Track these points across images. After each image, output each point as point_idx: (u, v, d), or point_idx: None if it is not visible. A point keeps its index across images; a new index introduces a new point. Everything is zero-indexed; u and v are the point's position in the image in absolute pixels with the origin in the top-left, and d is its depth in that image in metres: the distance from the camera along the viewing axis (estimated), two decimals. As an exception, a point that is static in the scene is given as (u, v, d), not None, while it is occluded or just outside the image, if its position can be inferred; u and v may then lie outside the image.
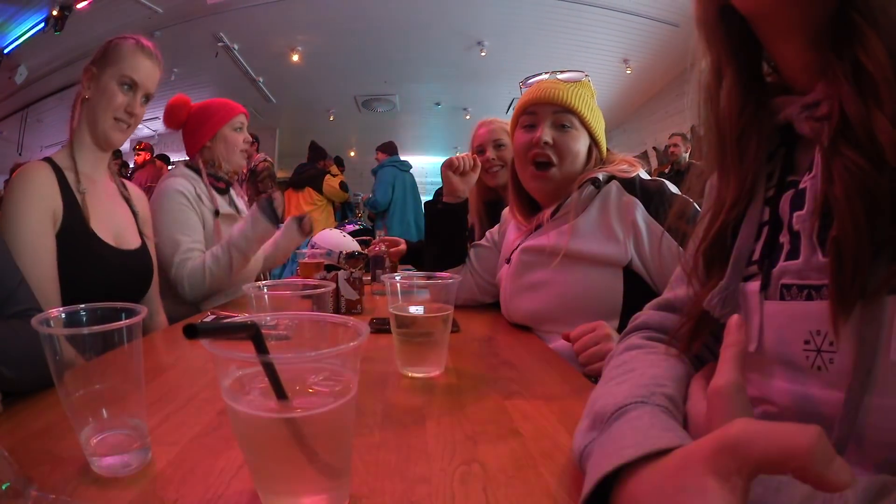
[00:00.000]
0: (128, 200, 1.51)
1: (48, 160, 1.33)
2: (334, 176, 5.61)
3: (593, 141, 1.28)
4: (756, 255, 0.55)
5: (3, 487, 0.42)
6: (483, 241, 1.57)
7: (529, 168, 1.28)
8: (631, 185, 1.17)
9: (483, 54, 6.70)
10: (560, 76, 1.29)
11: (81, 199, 1.32)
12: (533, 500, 0.51)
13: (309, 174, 5.47)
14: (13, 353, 0.73)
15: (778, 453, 0.31)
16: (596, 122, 1.28)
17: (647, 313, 0.74)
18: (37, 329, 0.51)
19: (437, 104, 8.25)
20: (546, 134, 1.24)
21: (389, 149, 5.69)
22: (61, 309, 0.57)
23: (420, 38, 6.47)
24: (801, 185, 0.52)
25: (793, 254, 0.51)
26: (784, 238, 0.52)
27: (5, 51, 5.88)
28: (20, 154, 7.63)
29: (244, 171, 1.97)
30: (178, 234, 1.68)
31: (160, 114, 1.97)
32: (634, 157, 1.31)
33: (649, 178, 1.21)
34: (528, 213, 1.36)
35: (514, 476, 0.55)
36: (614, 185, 1.19)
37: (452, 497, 0.51)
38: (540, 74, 1.32)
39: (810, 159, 0.52)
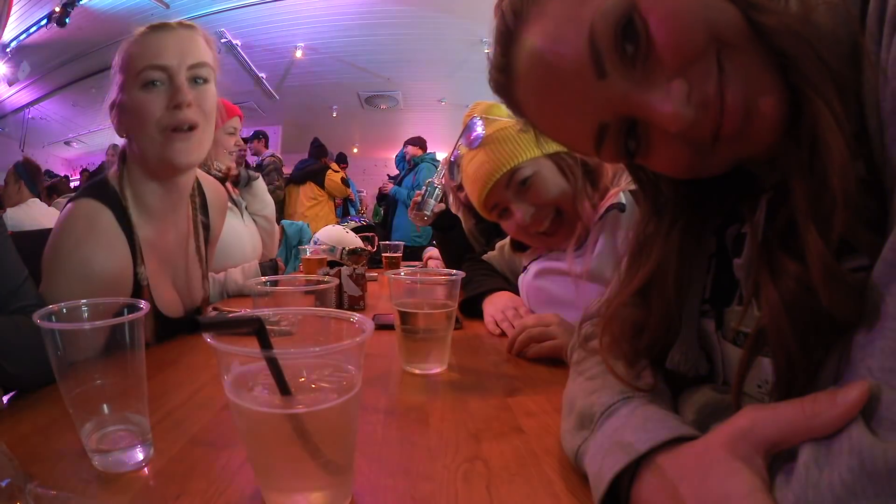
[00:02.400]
0: (203, 242, 1.20)
1: (111, 207, 0.96)
2: (336, 172, 5.61)
3: (550, 157, 1.12)
4: (707, 293, 0.54)
5: (4, 484, 0.42)
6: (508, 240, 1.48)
7: (547, 239, 1.16)
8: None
9: (487, 51, 6.67)
10: (474, 145, 1.15)
11: (147, 283, 1.00)
12: (536, 497, 0.50)
13: (310, 169, 5.47)
14: (16, 348, 0.73)
15: (788, 432, 0.36)
16: (532, 143, 1.11)
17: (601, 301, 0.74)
18: (38, 324, 0.51)
19: (441, 101, 8.23)
20: (523, 211, 1.11)
21: (422, 143, 5.65)
22: (63, 304, 0.57)
23: (424, 35, 6.47)
24: (744, 229, 0.50)
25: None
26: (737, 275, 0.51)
27: (8, 47, 5.89)
28: (22, 151, 7.65)
29: (232, 172, 1.97)
30: None
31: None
32: None
33: None
34: (539, 248, 1.26)
35: (518, 473, 0.55)
36: (629, 203, 1.05)
37: (456, 494, 0.50)
38: (455, 149, 1.23)
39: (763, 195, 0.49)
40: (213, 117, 1.02)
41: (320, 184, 5.46)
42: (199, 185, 1.20)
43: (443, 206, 1.76)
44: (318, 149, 5.74)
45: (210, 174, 1.85)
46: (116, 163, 1.03)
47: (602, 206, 1.09)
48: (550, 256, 1.21)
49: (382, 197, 5.85)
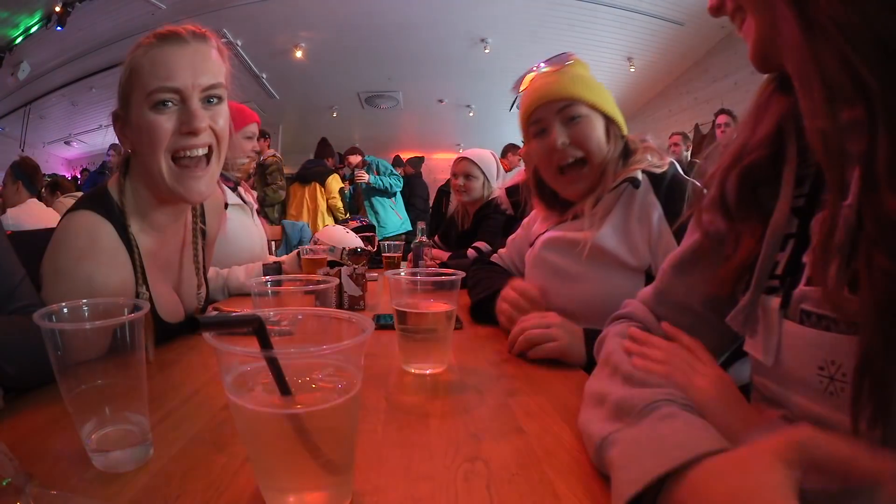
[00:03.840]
0: (202, 247, 1.19)
1: (112, 221, 0.94)
2: (338, 182, 5.57)
3: (607, 118, 1.18)
4: (780, 270, 0.55)
5: (4, 483, 0.42)
6: (519, 232, 1.49)
7: (560, 177, 1.19)
8: (659, 182, 1.12)
9: (487, 51, 6.70)
10: (545, 67, 1.22)
11: (149, 295, 0.98)
12: (536, 497, 0.50)
13: (316, 170, 5.45)
14: (15, 348, 0.73)
15: (835, 462, 0.36)
16: (602, 99, 1.18)
17: (636, 306, 0.79)
18: (38, 324, 0.51)
19: (441, 101, 8.23)
20: (560, 135, 1.15)
21: (360, 151, 5.83)
22: (63, 304, 0.57)
23: (424, 35, 6.47)
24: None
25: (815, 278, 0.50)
26: (808, 258, 0.52)
27: (8, 47, 5.89)
28: (22, 150, 7.65)
29: (249, 170, 2.02)
30: None
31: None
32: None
33: (682, 174, 1.15)
34: (557, 209, 1.28)
35: (518, 473, 0.55)
36: (644, 181, 1.13)
37: (456, 494, 0.50)
38: (526, 74, 1.26)
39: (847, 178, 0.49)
40: (226, 136, 0.99)
41: (324, 185, 5.45)
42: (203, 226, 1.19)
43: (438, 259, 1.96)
44: (324, 148, 5.73)
45: (227, 177, 1.91)
46: (118, 171, 1.01)
47: (620, 175, 1.15)
48: (561, 227, 1.23)
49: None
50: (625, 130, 1.21)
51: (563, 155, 1.15)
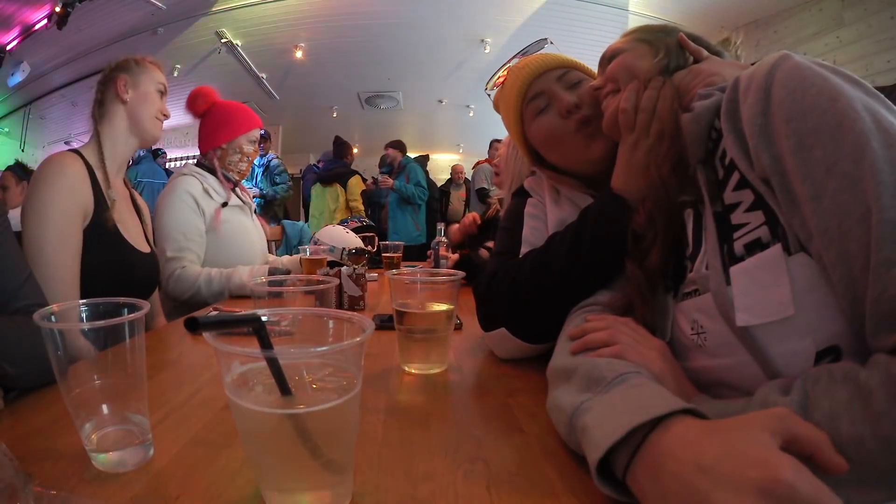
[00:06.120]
0: (137, 209, 1.56)
1: (77, 153, 1.35)
2: (358, 184, 5.47)
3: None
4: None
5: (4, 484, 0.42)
6: (534, 223, 1.04)
7: (580, 132, 0.96)
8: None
9: (487, 51, 6.68)
10: (517, 60, 1.07)
11: (110, 200, 1.35)
12: (536, 497, 0.50)
13: (337, 171, 5.37)
14: (16, 348, 0.73)
15: (809, 438, 0.39)
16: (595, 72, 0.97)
17: (601, 292, 0.83)
18: (38, 324, 0.51)
19: (441, 101, 8.23)
20: (570, 97, 0.97)
21: (402, 147, 5.68)
22: (63, 304, 0.57)
23: (424, 35, 6.46)
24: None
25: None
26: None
27: (7, 47, 5.88)
28: (22, 151, 7.65)
29: (247, 173, 2.03)
30: (175, 231, 1.76)
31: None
32: None
33: None
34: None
35: (518, 474, 0.55)
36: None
37: (456, 494, 0.50)
38: (498, 70, 1.13)
39: None
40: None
41: (345, 186, 5.39)
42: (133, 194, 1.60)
43: (455, 256, 1.94)
44: (341, 147, 5.66)
45: (227, 177, 1.94)
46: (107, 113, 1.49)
47: None
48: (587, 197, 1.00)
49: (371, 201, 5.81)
50: None
51: (582, 115, 0.96)
